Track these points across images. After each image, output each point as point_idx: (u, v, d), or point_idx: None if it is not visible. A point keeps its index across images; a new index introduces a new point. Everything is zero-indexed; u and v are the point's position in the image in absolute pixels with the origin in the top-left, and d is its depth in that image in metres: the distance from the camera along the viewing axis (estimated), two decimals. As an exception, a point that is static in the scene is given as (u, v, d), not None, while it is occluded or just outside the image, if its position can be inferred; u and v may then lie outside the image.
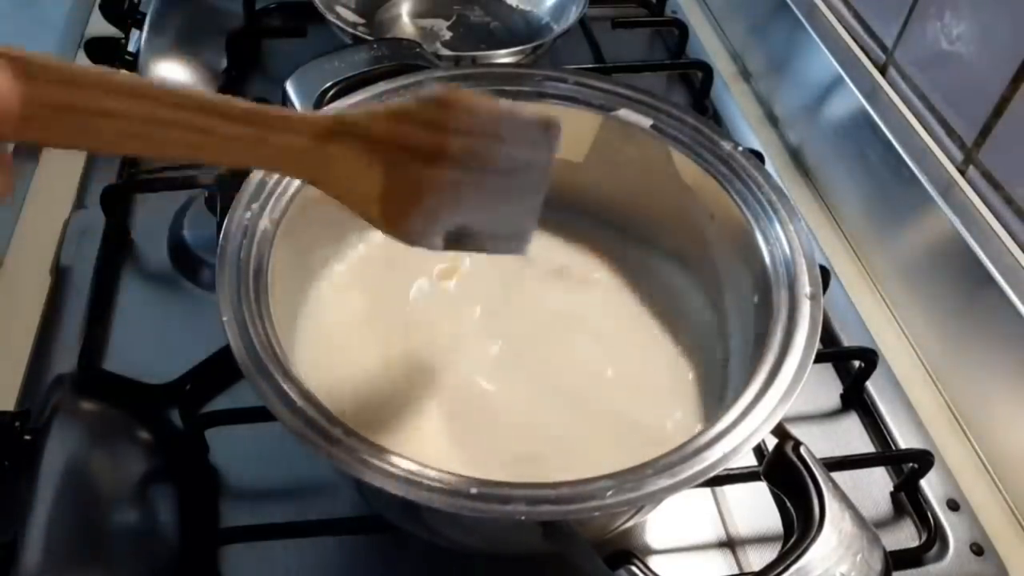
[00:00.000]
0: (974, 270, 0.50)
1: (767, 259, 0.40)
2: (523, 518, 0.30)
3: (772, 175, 0.43)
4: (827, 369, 0.53)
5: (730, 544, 0.45)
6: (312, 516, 0.43)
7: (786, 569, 0.33)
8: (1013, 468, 0.48)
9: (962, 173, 0.55)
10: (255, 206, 0.40)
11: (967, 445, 0.51)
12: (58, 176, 0.62)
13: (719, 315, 0.45)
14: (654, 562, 0.44)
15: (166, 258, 0.57)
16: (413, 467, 0.31)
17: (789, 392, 0.35)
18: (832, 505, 0.35)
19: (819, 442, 0.50)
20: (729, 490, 0.47)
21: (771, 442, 0.38)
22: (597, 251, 0.49)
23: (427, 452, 0.39)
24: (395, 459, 0.31)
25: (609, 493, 0.31)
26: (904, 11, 0.59)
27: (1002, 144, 0.52)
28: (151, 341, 0.52)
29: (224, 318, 0.35)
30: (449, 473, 0.31)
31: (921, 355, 0.55)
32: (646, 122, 0.45)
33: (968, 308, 0.52)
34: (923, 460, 0.46)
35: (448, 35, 0.72)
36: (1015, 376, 0.48)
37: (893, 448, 0.49)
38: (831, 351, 0.54)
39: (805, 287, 0.38)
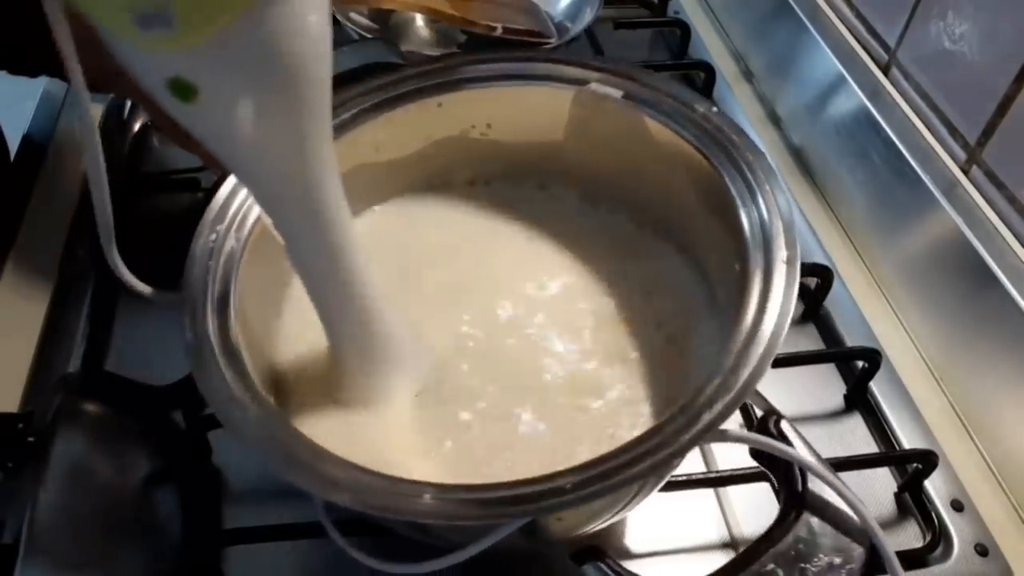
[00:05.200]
0: (977, 270, 0.50)
1: (745, 223, 0.38)
2: (472, 523, 0.30)
3: (749, 134, 0.42)
4: (830, 369, 0.53)
5: (734, 545, 0.45)
6: (315, 518, 0.43)
7: (768, 548, 0.33)
8: (1017, 468, 0.48)
9: (965, 173, 0.55)
10: (220, 227, 0.40)
11: (971, 445, 0.51)
12: (62, 178, 0.62)
13: (708, 289, 0.44)
14: (658, 562, 0.44)
15: (169, 260, 0.57)
16: (365, 476, 0.31)
17: (757, 372, 0.32)
18: (815, 481, 0.34)
19: (823, 442, 0.50)
20: (733, 491, 0.47)
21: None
22: (587, 230, 0.48)
23: (407, 461, 0.39)
24: (361, 472, 0.31)
25: (568, 487, 0.30)
26: (907, 10, 0.59)
27: (1005, 143, 0.52)
28: (154, 343, 0.52)
29: (187, 344, 0.35)
30: (400, 479, 0.31)
31: (925, 355, 0.55)
32: (617, 93, 0.44)
33: (971, 308, 0.51)
34: (927, 460, 0.46)
35: (463, 38, 0.72)
36: (1019, 376, 0.48)
37: (897, 448, 0.49)
38: (834, 351, 0.54)
39: (781, 251, 0.36)
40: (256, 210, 0.40)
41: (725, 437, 0.34)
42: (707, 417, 0.31)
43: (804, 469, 0.35)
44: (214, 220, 0.40)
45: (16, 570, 0.36)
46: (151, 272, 0.58)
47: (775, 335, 0.33)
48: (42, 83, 0.68)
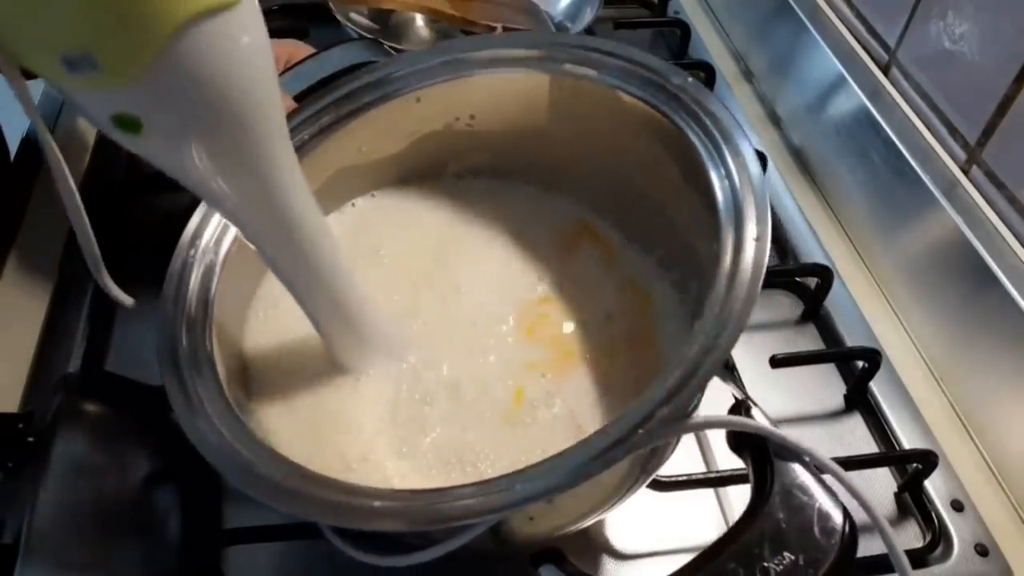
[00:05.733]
0: (977, 270, 0.50)
1: (719, 195, 0.36)
2: (405, 528, 0.30)
3: (724, 104, 0.40)
4: (830, 369, 0.53)
5: (734, 545, 0.45)
6: (315, 517, 0.43)
7: (729, 546, 0.31)
8: (1017, 468, 0.48)
9: (965, 173, 0.55)
10: (199, 243, 0.40)
11: (971, 445, 0.51)
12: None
13: (681, 283, 0.44)
14: (657, 562, 0.44)
15: (168, 259, 0.57)
16: (323, 489, 0.31)
17: (722, 353, 0.31)
18: (781, 468, 0.32)
19: (823, 442, 0.50)
20: (733, 491, 0.47)
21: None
22: (575, 226, 0.48)
23: (378, 472, 0.39)
24: (313, 482, 0.32)
25: (517, 487, 0.29)
26: (907, 10, 0.59)
27: (1005, 143, 0.52)
28: (154, 342, 0.52)
29: (160, 362, 0.35)
30: (348, 486, 0.31)
31: (925, 355, 0.55)
32: (591, 71, 0.43)
33: (971, 308, 0.51)
34: (927, 460, 0.46)
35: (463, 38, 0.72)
36: (1019, 376, 0.48)
37: (897, 448, 0.49)
38: (834, 351, 0.54)
39: (752, 228, 0.34)
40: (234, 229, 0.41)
41: (686, 427, 0.33)
42: (664, 411, 0.30)
43: (770, 445, 0.33)
44: (193, 235, 0.40)
45: (16, 570, 0.36)
46: (151, 272, 0.58)
47: (740, 318, 0.32)
48: (42, 83, 0.68)
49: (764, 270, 0.33)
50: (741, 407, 0.35)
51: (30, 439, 0.42)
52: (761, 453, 0.33)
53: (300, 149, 0.43)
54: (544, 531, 0.38)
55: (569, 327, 0.44)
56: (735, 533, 0.32)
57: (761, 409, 0.35)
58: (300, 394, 0.41)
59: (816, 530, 0.31)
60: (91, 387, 0.46)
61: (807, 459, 0.33)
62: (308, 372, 0.41)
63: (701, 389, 0.31)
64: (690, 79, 0.41)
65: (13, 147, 0.64)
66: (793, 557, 0.30)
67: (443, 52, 0.46)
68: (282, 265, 0.37)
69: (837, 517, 0.32)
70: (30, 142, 0.65)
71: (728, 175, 0.37)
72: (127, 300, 0.39)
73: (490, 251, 0.47)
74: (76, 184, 0.34)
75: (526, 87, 0.45)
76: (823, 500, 0.32)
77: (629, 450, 0.30)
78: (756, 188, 0.36)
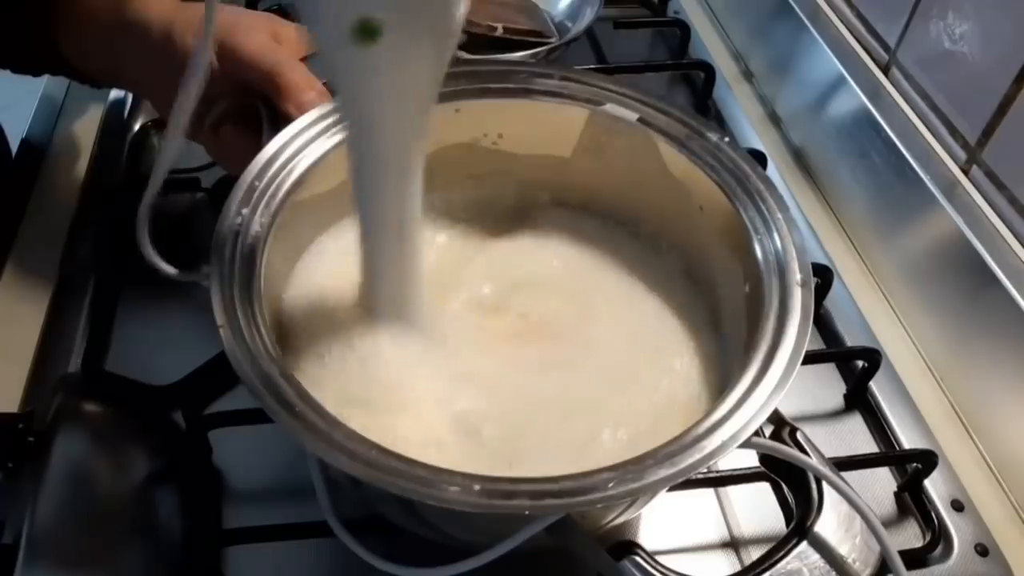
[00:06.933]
0: (978, 270, 0.50)
1: (757, 248, 0.40)
2: (527, 512, 0.30)
3: (759, 165, 0.43)
4: (830, 369, 0.53)
5: (733, 544, 0.45)
6: (315, 517, 0.43)
7: (788, 552, 0.34)
8: (1017, 468, 0.48)
9: (965, 173, 0.55)
10: (245, 210, 0.40)
11: (971, 445, 0.51)
12: (62, 178, 0.62)
13: (712, 307, 0.45)
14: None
15: (170, 258, 0.57)
16: (417, 467, 0.31)
17: (784, 379, 0.34)
18: (831, 489, 0.35)
19: (823, 442, 0.49)
20: (732, 491, 0.47)
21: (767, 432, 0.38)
22: (590, 247, 0.49)
23: (425, 445, 0.39)
24: (397, 459, 0.31)
25: (611, 484, 0.31)
26: (907, 11, 0.59)
27: (1005, 144, 0.52)
28: (154, 342, 0.52)
29: (219, 323, 0.35)
30: (452, 471, 0.31)
31: (925, 355, 0.55)
32: (632, 116, 0.45)
33: (971, 308, 0.51)
34: (927, 460, 0.46)
35: (463, 38, 0.72)
36: (1019, 376, 0.48)
37: (897, 448, 0.49)
38: (834, 351, 0.54)
39: (796, 275, 0.38)
40: (280, 194, 0.41)
41: (753, 445, 0.36)
42: (747, 413, 0.34)
43: (820, 483, 0.36)
44: (239, 203, 0.40)
45: (16, 570, 0.36)
46: (151, 271, 0.58)
47: (798, 346, 0.35)
48: (42, 83, 0.68)
49: (812, 306, 0.37)
50: (784, 429, 0.38)
51: (30, 439, 0.42)
52: (802, 473, 0.37)
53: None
54: (586, 527, 0.38)
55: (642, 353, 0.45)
56: (793, 537, 0.35)
57: (804, 434, 0.38)
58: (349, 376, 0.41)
59: (863, 528, 0.36)
60: (91, 387, 0.46)
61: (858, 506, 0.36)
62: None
63: (771, 408, 0.34)
64: (727, 139, 0.44)
65: (14, 147, 0.64)
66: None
67: (512, 77, 0.47)
68: (381, 185, 0.38)
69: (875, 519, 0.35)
70: (30, 142, 0.65)
71: (767, 231, 0.40)
72: (167, 268, 0.41)
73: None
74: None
75: (560, 117, 0.46)
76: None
77: (707, 458, 0.32)
78: (797, 243, 0.39)
